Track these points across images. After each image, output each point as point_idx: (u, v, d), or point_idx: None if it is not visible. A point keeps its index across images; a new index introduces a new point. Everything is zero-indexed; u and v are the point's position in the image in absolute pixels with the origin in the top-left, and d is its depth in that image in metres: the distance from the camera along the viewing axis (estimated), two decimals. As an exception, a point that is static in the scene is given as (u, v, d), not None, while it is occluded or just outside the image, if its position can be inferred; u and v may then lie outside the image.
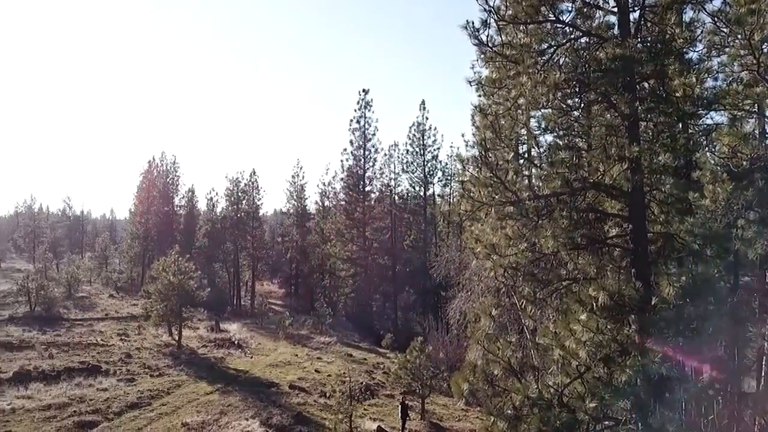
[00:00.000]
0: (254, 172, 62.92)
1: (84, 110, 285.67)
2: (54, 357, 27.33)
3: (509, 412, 9.33)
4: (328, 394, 24.12)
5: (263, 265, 71.40)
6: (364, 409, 23.37)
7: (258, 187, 63.18)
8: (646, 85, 10.65)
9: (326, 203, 63.11)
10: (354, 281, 52.20)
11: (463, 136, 31.71)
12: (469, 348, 24.80)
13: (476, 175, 10.60)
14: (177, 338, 32.97)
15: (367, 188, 53.55)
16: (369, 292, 51.33)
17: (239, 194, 62.74)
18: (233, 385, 25.12)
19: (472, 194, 10.46)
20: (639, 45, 10.05)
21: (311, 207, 65.60)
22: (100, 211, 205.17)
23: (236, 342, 35.36)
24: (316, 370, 29.04)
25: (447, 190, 52.89)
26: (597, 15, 10.59)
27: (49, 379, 23.81)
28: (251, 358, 31.90)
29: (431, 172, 51.64)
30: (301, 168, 65.91)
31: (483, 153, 9.96)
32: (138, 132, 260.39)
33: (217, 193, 66.05)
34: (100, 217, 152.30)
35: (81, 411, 20.23)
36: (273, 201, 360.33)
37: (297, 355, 33.04)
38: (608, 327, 8.85)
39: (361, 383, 26.40)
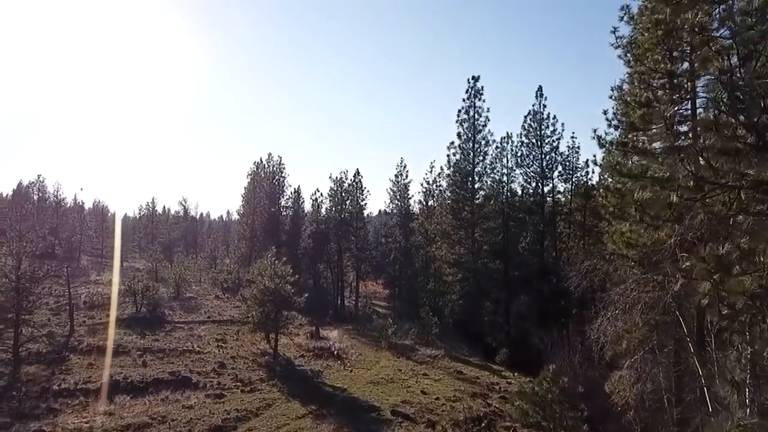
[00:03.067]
0: (358, 172, 60.98)
1: (213, 111, 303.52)
2: (147, 365, 25.98)
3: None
4: (437, 426, 20.41)
5: (367, 267, 69.40)
6: (481, 447, 19.42)
7: (362, 187, 61.12)
8: None
9: (431, 203, 59.72)
10: (462, 287, 47.96)
11: (605, 113, 25.02)
12: (610, 376, 20.11)
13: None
14: (273, 346, 30.80)
15: (477, 185, 49.09)
16: (478, 299, 46.89)
17: (343, 195, 61.13)
18: (328, 407, 22.11)
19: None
20: None
21: (415, 207, 62.57)
22: (218, 212, 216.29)
23: (336, 352, 32.65)
24: (422, 391, 25.43)
25: (568, 185, 46.85)
26: None
27: (136, 392, 22.17)
28: (350, 371, 28.94)
29: (550, 166, 45.99)
30: (404, 167, 62.54)
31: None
32: (252, 133, 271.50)
33: (321, 194, 64.70)
34: (217, 218, 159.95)
35: (159, 435, 18.07)
36: (377, 201, 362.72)
37: (401, 370, 29.64)
38: None
39: (476, 411, 22.40)
